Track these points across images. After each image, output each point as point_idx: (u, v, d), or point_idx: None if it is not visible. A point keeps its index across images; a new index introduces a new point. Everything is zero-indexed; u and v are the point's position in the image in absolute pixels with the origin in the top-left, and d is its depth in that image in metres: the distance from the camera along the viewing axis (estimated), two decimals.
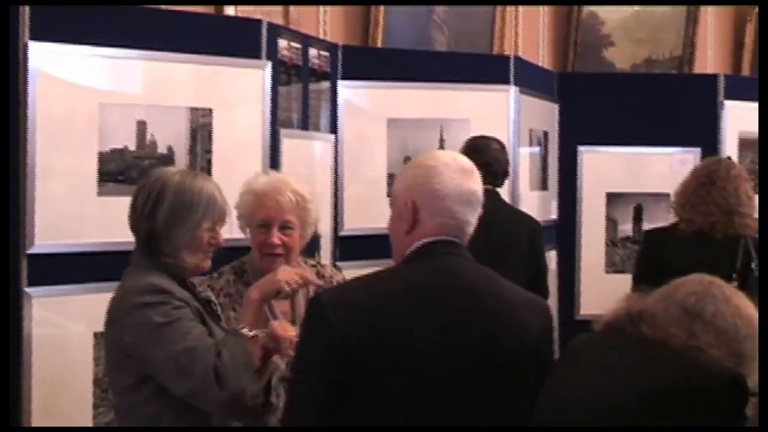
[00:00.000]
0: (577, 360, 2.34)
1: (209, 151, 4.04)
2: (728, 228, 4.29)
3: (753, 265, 4.23)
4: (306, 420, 2.18)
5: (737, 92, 6.41)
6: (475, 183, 2.35)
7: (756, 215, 4.37)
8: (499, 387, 2.25)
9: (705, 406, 2.06)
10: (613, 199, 6.15)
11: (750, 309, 2.27)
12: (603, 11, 7.37)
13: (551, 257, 5.91)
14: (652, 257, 4.42)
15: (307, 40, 4.69)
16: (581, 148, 6.13)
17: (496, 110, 5.27)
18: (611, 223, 6.16)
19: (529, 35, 7.02)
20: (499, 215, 4.58)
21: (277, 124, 4.31)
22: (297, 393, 2.24)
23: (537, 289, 4.75)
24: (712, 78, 6.46)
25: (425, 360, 2.19)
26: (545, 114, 5.94)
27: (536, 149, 5.78)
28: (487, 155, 4.59)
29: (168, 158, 3.89)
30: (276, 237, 3.19)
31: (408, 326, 2.20)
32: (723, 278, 3.98)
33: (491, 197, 4.58)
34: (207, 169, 3.98)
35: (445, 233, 2.32)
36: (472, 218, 2.35)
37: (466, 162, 2.37)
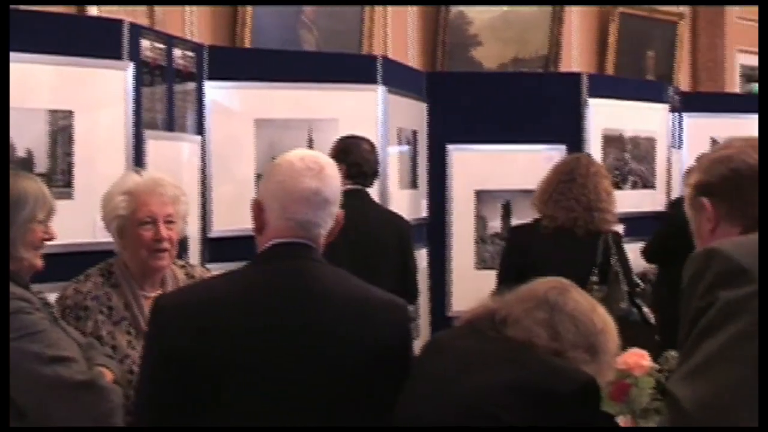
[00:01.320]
0: (439, 357, 2.37)
1: (70, 154, 3.95)
2: (589, 224, 4.40)
3: (612, 260, 4.35)
4: (146, 421, 2.16)
5: (600, 90, 6.56)
6: (319, 182, 2.28)
7: (615, 211, 4.49)
8: (345, 388, 2.24)
9: (558, 408, 2.11)
10: (482, 196, 6.23)
11: (603, 310, 2.37)
12: (471, 11, 7.47)
13: (422, 255, 5.97)
14: (515, 253, 4.50)
15: (171, 41, 4.63)
16: (450, 147, 6.19)
17: (365, 110, 5.28)
18: (480, 221, 6.24)
19: (398, 35, 7.08)
20: (369, 215, 4.62)
21: (140, 126, 4.25)
22: (139, 394, 2.22)
23: (407, 289, 4.81)
24: (576, 76, 6.59)
25: (258, 363, 2.17)
26: (414, 113, 5.98)
27: (405, 148, 5.82)
28: (356, 155, 4.61)
29: (27, 162, 3.80)
30: (164, 231, 3.15)
31: (239, 330, 2.18)
32: (584, 272, 4.12)
33: (360, 197, 4.63)
34: (68, 172, 3.91)
35: (291, 235, 2.27)
36: (317, 218, 2.29)
37: (316, 161, 2.31)
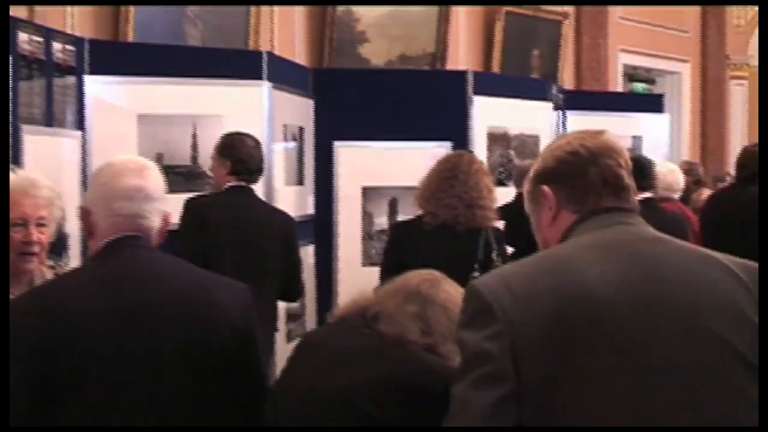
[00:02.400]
0: (312, 355, 2.38)
1: None
2: (470, 220, 4.44)
3: (493, 256, 4.40)
4: (13, 421, 2.13)
5: (486, 88, 6.64)
6: (141, 179, 2.37)
7: (495, 207, 4.55)
8: (197, 368, 2.27)
9: (428, 405, 2.14)
10: (368, 193, 6.25)
11: None
12: (358, 9, 7.49)
13: (308, 252, 5.97)
14: (398, 249, 4.52)
15: (50, 34, 4.54)
16: (337, 143, 6.19)
17: (250, 106, 5.26)
18: (367, 217, 6.26)
19: (285, 31, 7.06)
20: (253, 211, 4.60)
21: (18, 120, 4.16)
22: (9, 393, 2.20)
23: (291, 285, 4.80)
24: (462, 74, 6.67)
25: (106, 350, 2.19)
26: (300, 110, 5.98)
27: (291, 145, 5.81)
28: (240, 151, 4.59)
29: None
30: (35, 235, 3.08)
31: (86, 320, 2.19)
32: (465, 268, 4.15)
33: (244, 193, 4.61)
34: None
35: (120, 230, 2.34)
36: (143, 211, 2.36)
37: (136, 161, 2.46)
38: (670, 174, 6.70)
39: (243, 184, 4.59)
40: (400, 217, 6.00)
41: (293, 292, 4.88)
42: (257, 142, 4.74)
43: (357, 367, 2.25)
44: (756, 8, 12.93)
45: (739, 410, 1.83)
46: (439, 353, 2.30)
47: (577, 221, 2.02)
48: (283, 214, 4.85)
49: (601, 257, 1.89)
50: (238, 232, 4.50)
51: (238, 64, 5.40)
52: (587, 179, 2.02)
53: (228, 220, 4.50)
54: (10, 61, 4.09)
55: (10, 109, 4.08)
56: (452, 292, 2.42)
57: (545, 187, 2.07)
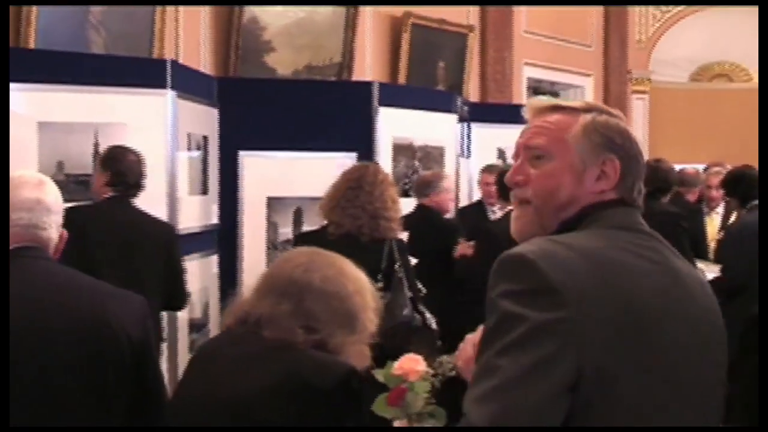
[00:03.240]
0: (206, 365, 2.38)
1: None
2: (374, 231, 4.47)
3: (396, 266, 4.43)
4: None
5: (391, 99, 6.68)
6: (39, 192, 2.45)
7: (400, 218, 4.58)
8: (90, 382, 2.29)
9: (321, 404, 2.15)
10: (273, 203, 6.24)
11: (352, 268, 2.49)
12: (265, 17, 7.47)
13: (212, 262, 5.93)
14: None
15: None
16: (242, 153, 6.16)
17: (153, 114, 5.20)
18: (272, 227, 6.24)
19: (190, 39, 7.00)
20: (131, 221, 4.57)
21: None
22: None
23: (175, 294, 4.76)
24: (368, 85, 6.69)
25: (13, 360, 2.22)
26: (205, 118, 5.93)
27: (195, 153, 5.76)
28: (120, 164, 4.56)
29: None
30: None
31: None
32: (369, 278, 4.16)
33: (121, 205, 4.56)
34: None
35: (18, 240, 2.39)
36: (41, 222, 2.43)
37: (34, 175, 2.56)
38: None
39: (119, 195, 4.55)
40: (305, 228, 6.01)
41: (177, 300, 4.85)
42: (139, 158, 4.68)
43: (250, 375, 2.24)
44: (657, 25, 13.25)
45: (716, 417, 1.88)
46: (331, 348, 2.30)
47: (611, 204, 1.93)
48: (162, 224, 4.81)
49: (638, 260, 1.83)
50: (116, 243, 4.47)
51: (141, 71, 5.34)
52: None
53: (106, 229, 4.46)
54: None
55: None
56: (327, 270, 2.41)
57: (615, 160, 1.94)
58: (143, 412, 2.35)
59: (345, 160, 5.87)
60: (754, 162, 6.55)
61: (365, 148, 6.35)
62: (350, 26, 8.02)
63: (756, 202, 6.07)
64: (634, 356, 1.72)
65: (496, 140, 8.29)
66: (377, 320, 2.50)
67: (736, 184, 6.28)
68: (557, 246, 1.78)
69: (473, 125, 8.29)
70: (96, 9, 6.11)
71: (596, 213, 1.90)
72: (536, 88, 11.87)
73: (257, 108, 6.20)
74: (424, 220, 6.17)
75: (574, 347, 1.67)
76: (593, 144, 1.92)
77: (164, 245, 4.65)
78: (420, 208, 6.42)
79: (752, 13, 13.00)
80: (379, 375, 2.78)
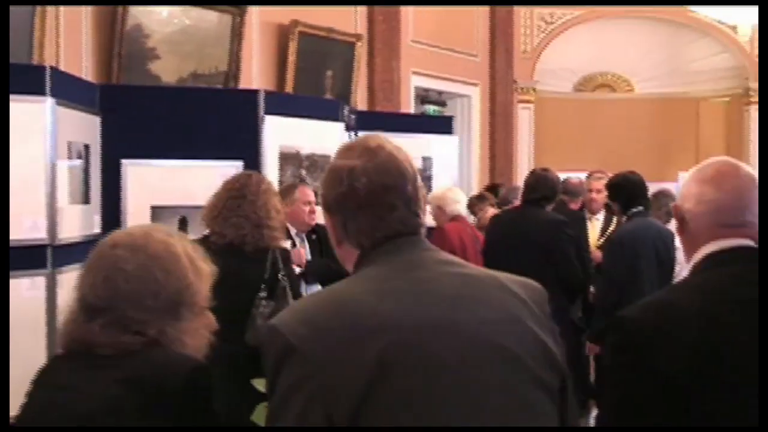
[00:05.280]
0: (47, 384, 2.31)
1: None
2: (258, 241, 4.45)
3: (280, 276, 4.41)
4: None
5: (278, 108, 6.65)
6: None
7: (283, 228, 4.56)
8: None
9: (170, 405, 2.12)
10: (157, 211, 6.13)
11: (174, 247, 2.34)
12: (149, 24, 7.37)
13: None
14: None
15: None
16: (125, 161, 6.06)
17: (31, 122, 5.07)
18: None
19: (71, 45, 6.87)
20: None
21: None
22: None
23: None
24: (254, 93, 6.65)
25: None
26: (86, 126, 5.81)
27: (77, 162, 5.64)
28: None
29: None
30: None
31: None
32: (253, 289, 4.14)
33: None
34: None
35: None
36: None
37: None
38: (450, 192, 6.97)
39: None
40: (191, 237, 5.91)
41: None
42: None
43: (95, 387, 2.18)
44: (541, 36, 13.48)
45: (535, 424, 1.88)
46: (165, 340, 2.25)
47: (366, 250, 2.00)
48: None
49: (393, 286, 1.89)
50: None
51: (19, 79, 5.19)
52: (360, 220, 2.00)
53: None
54: None
55: None
56: (135, 260, 2.28)
57: (325, 214, 2.08)
58: None
59: (230, 169, 5.82)
60: (636, 169, 6.71)
61: (251, 156, 6.30)
62: (236, 34, 7.97)
63: (637, 209, 6.20)
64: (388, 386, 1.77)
65: None
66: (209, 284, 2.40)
67: (619, 189, 6.41)
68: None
69: (360, 134, 8.31)
70: None
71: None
72: (424, 97, 11.97)
73: (141, 116, 6.09)
74: None
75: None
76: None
77: None
78: None
79: (633, 25, 13.35)
80: (259, 385, 2.76)
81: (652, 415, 2.07)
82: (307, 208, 6.04)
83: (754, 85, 13.22)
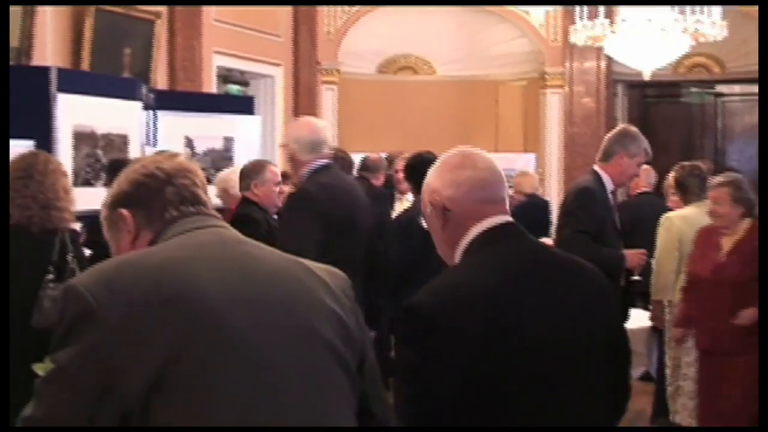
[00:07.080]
0: None
1: None
2: (45, 222, 4.33)
3: (68, 257, 4.31)
4: None
5: (72, 86, 6.50)
6: None
7: (72, 209, 4.46)
8: None
9: None
10: None
11: None
12: None
13: None
14: None
15: None
16: None
17: None
18: None
19: None
20: None
21: None
22: None
23: None
24: (45, 70, 6.47)
25: None
26: None
27: None
28: None
29: None
30: None
31: None
32: (41, 271, 4.03)
33: None
34: None
35: None
36: None
37: None
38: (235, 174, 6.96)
39: None
40: None
41: None
42: None
43: None
44: (345, 18, 13.56)
45: (336, 403, 1.92)
46: None
47: (156, 235, 2.05)
48: None
49: (196, 256, 1.92)
50: None
51: None
52: (164, 199, 2.07)
53: None
54: None
55: None
56: None
57: (123, 211, 2.09)
58: None
59: (20, 149, 5.64)
60: (437, 150, 6.79)
61: (43, 135, 6.15)
62: (29, 12, 7.69)
63: None
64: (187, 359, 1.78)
65: (183, 129, 8.24)
66: None
67: (413, 170, 6.47)
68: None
69: (160, 113, 8.18)
70: None
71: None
72: (226, 77, 11.87)
73: None
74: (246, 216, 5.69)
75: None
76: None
77: None
78: (244, 201, 5.97)
79: (434, 9, 13.59)
80: (39, 370, 2.70)
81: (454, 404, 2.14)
82: (277, 189, 5.92)
83: (550, 69, 13.68)
